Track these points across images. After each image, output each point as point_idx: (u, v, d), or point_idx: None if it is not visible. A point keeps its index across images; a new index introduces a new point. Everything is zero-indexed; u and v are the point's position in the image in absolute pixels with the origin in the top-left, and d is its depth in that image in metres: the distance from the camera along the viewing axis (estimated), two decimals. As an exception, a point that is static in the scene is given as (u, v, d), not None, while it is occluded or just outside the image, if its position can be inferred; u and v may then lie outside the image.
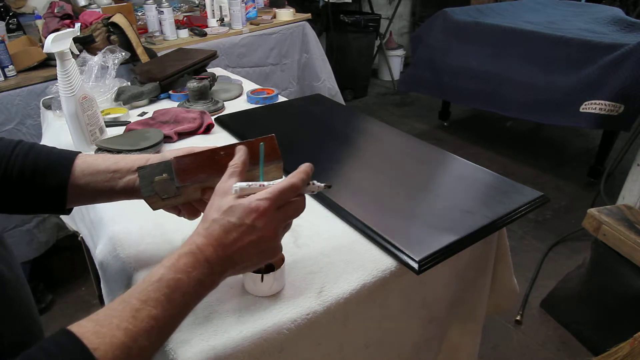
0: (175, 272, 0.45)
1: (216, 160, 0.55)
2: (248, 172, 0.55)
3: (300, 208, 0.53)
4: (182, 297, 0.45)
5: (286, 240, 0.72)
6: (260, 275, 0.59)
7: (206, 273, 0.47)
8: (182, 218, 0.64)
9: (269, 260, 0.53)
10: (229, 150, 0.55)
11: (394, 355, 0.77)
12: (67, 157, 0.64)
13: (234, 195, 0.50)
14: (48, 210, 0.66)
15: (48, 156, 0.63)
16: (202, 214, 0.60)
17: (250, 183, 0.50)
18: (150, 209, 0.61)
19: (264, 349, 0.55)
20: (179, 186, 0.55)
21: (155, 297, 0.43)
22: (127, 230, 0.75)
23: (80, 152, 0.65)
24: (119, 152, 0.96)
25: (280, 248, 0.53)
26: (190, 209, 0.63)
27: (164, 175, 0.55)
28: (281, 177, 0.58)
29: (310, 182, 0.53)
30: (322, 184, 0.54)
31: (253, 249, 0.49)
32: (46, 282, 1.85)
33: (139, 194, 0.62)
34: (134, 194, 0.63)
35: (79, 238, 1.09)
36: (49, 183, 0.62)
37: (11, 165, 0.60)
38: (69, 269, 1.96)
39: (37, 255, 1.74)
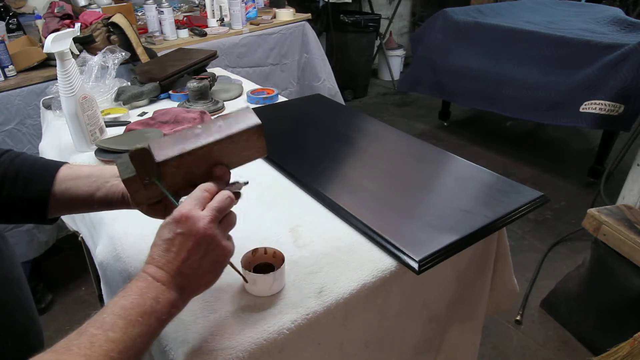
0: (129, 296, 0.45)
1: (194, 134, 0.53)
2: (228, 145, 0.54)
3: (226, 197, 0.51)
4: (141, 317, 0.44)
5: (286, 240, 0.72)
6: (260, 275, 0.59)
7: (161, 291, 0.47)
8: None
9: (222, 263, 0.51)
10: (206, 125, 0.54)
11: (394, 355, 0.77)
12: (52, 165, 0.64)
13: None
14: (30, 219, 0.64)
15: (33, 164, 0.63)
16: None
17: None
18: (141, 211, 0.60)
19: (264, 349, 0.55)
20: (159, 162, 0.50)
21: (111, 321, 0.43)
22: (127, 230, 0.75)
23: (67, 163, 0.65)
24: (119, 152, 0.96)
25: (227, 247, 0.51)
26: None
27: (143, 144, 0.52)
28: (264, 151, 0.58)
29: (235, 183, 0.56)
30: (242, 181, 0.58)
31: (195, 255, 0.48)
32: (46, 282, 1.85)
33: (122, 203, 0.61)
34: (115, 203, 0.62)
35: (79, 238, 1.10)
36: (30, 189, 0.61)
37: None
38: (69, 269, 1.96)
39: (37, 255, 1.74)
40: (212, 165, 0.54)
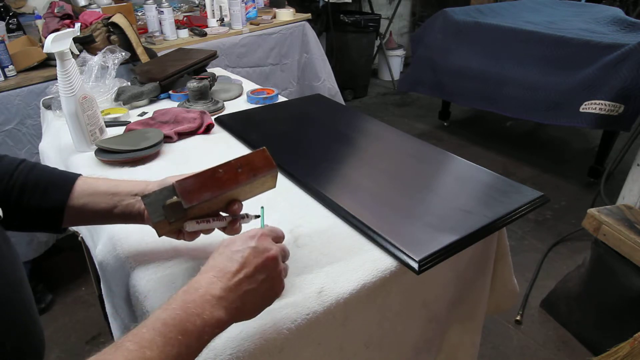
0: (172, 310, 0.43)
1: (217, 178, 0.56)
2: (245, 186, 0.58)
3: (287, 253, 0.56)
4: (181, 336, 0.41)
5: (286, 241, 0.72)
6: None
7: (209, 308, 0.44)
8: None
9: (273, 296, 0.51)
10: (227, 168, 0.57)
11: (394, 355, 0.77)
12: (69, 177, 0.65)
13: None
14: (43, 228, 0.65)
15: (50, 175, 0.64)
16: (200, 234, 0.62)
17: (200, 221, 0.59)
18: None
19: (264, 349, 0.55)
20: (187, 207, 0.55)
21: (149, 337, 0.40)
22: (127, 230, 0.75)
23: (81, 175, 0.66)
24: (119, 152, 0.96)
25: (283, 284, 0.53)
26: (190, 232, 0.62)
27: (174, 198, 0.56)
28: (274, 186, 0.64)
29: (245, 216, 0.62)
30: (253, 215, 0.63)
31: (260, 274, 0.48)
32: (46, 282, 1.85)
33: (137, 219, 0.63)
34: (131, 219, 0.64)
35: (79, 238, 1.09)
36: (48, 200, 0.62)
37: (13, 182, 0.61)
38: (69, 269, 1.96)
39: (37, 255, 1.74)
40: (228, 201, 0.60)
